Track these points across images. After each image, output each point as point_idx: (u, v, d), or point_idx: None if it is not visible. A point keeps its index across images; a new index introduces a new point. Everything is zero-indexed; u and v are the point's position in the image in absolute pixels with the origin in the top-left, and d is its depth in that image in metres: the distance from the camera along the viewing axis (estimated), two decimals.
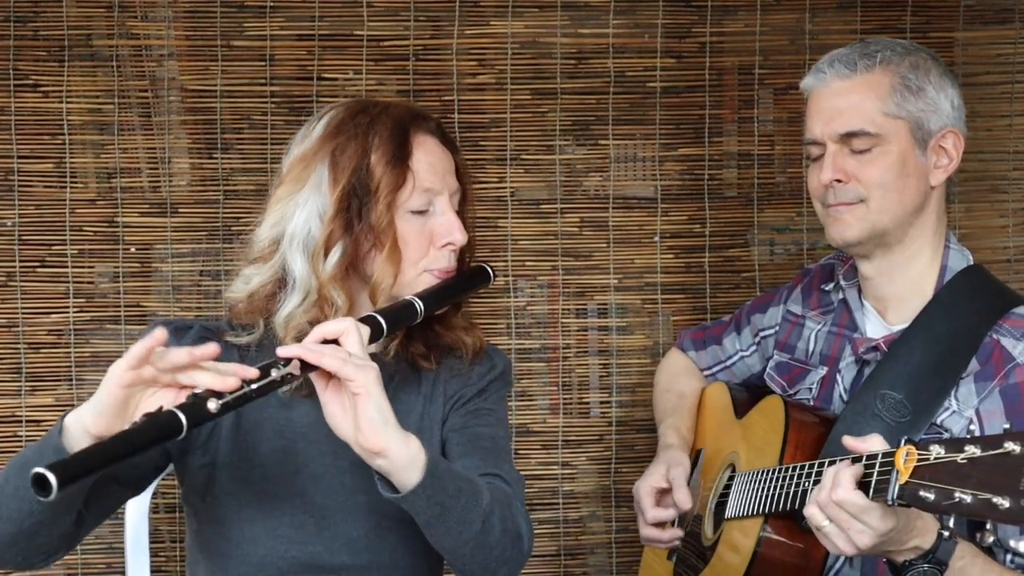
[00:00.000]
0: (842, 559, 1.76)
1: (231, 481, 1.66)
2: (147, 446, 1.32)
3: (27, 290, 2.44)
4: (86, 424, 1.37)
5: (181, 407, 1.32)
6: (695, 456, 2.11)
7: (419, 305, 1.61)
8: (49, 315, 2.44)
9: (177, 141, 2.46)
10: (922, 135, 1.79)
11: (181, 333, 1.67)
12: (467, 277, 1.73)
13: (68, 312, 2.44)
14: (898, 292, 1.86)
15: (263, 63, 2.47)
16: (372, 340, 1.52)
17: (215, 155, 2.47)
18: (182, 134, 2.46)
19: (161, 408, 1.33)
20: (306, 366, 1.42)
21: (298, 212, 1.64)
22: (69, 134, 2.43)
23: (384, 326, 1.54)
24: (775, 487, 1.74)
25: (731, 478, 1.96)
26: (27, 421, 2.44)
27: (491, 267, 1.77)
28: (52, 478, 1.21)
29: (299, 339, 1.59)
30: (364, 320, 1.53)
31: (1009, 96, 2.64)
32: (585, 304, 2.60)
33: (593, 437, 2.61)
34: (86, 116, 2.43)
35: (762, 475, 1.80)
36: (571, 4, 2.53)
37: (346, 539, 1.66)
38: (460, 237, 1.68)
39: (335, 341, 1.46)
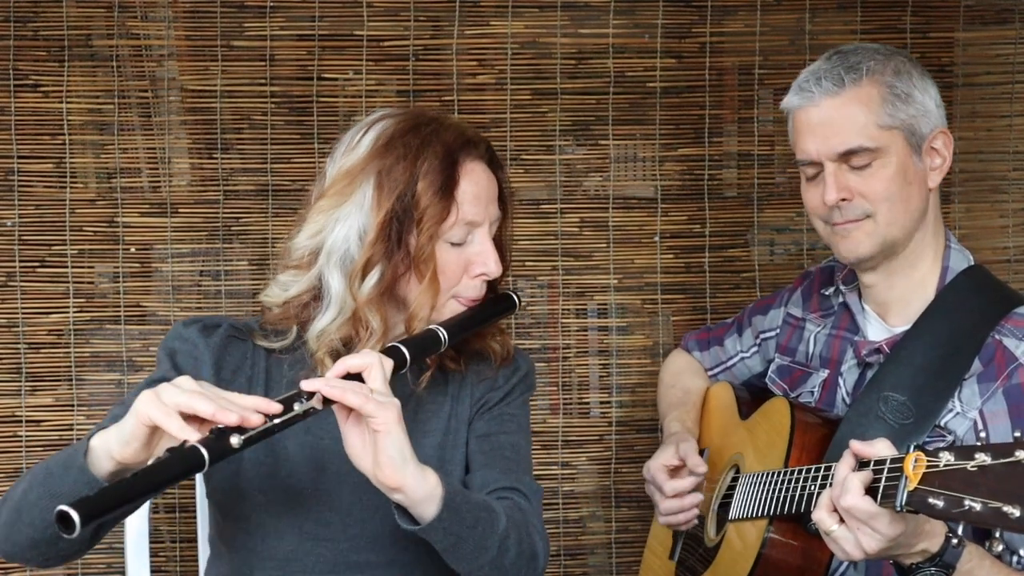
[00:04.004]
0: (846, 562, 1.76)
1: (258, 478, 1.67)
2: (170, 482, 1.34)
3: (27, 290, 2.44)
4: (111, 450, 1.38)
5: (204, 442, 1.33)
6: (699, 454, 2.10)
7: (443, 335, 1.62)
8: (49, 315, 2.44)
9: (177, 141, 2.46)
10: (916, 140, 1.78)
11: (209, 331, 1.68)
12: (492, 305, 1.73)
13: (68, 312, 2.44)
14: (899, 296, 1.85)
15: (263, 63, 2.47)
16: (395, 371, 1.52)
17: (215, 155, 2.47)
18: (182, 134, 2.46)
19: (185, 443, 1.33)
20: (328, 399, 1.43)
21: (338, 227, 1.63)
22: (69, 134, 2.43)
23: (408, 357, 1.55)
24: (780, 490, 1.74)
25: (734, 479, 1.95)
26: (27, 421, 2.44)
27: (517, 295, 1.77)
28: (76, 517, 1.23)
29: (331, 354, 1.62)
30: (387, 351, 1.53)
31: (1009, 96, 2.64)
32: (585, 304, 2.60)
33: (593, 437, 2.61)
34: (86, 116, 2.43)
35: (767, 477, 1.79)
36: (571, 4, 2.54)
37: (371, 537, 1.67)
38: (495, 269, 1.68)
39: (358, 375, 1.46)
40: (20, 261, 2.43)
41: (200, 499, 2.11)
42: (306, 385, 1.43)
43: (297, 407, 1.41)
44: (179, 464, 1.31)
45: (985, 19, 2.62)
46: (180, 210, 2.47)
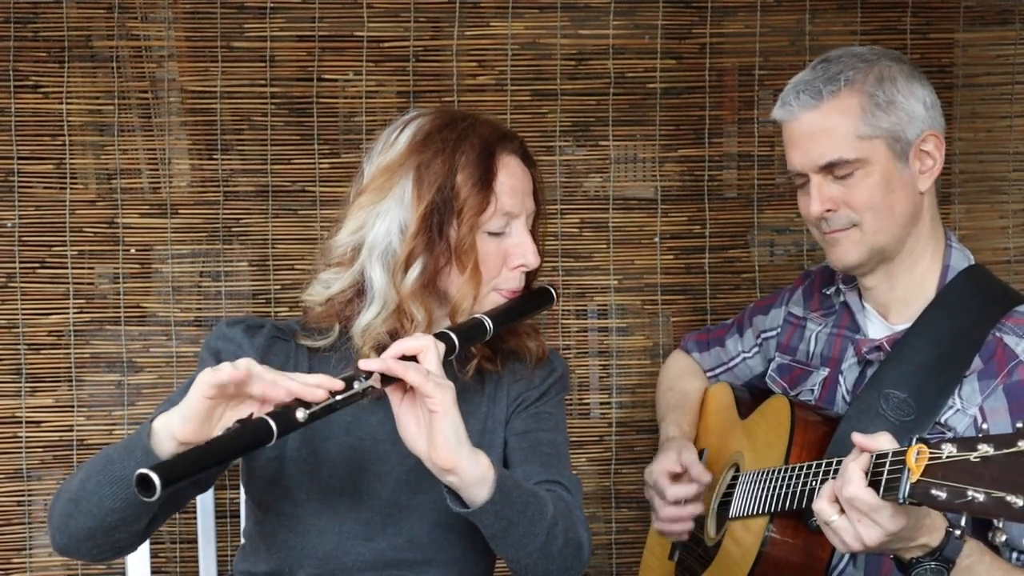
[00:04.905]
0: (846, 559, 1.76)
1: (299, 476, 1.69)
2: (241, 452, 1.38)
3: (27, 290, 2.44)
4: (174, 430, 1.41)
5: (271, 415, 1.37)
6: (699, 454, 2.10)
7: (488, 323, 1.64)
8: (49, 315, 2.44)
9: (177, 142, 2.46)
10: (901, 147, 1.77)
11: (253, 331, 1.71)
12: (532, 298, 1.76)
13: (68, 312, 2.44)
14: (900, 296, 1.86)
15: (263, 64, 2.47)
16: (445, 357, 1.55)
17: (215, 156, 2.47)
18: (182, 135, 2.46)
19: (252, 415, 1.37)
20: (386, 379, 1.46)
21: (379, 222, 1.66)
22: (69, 135, 2.43)
23: (457, 343, 1.57)
24: (781, 486, 1.74)
25: (735, 478, 1.96)
26: (27, 421, 2.44)
27: (554, 288, 1.79)
28: (156, 479, 1.27)
29: (376, 349, 1.64)
30: (438, 336, 1.56)
31: (1009, 97, 2.64)
32: (585, 305, 2.60)
33: (593, 438, 2.61)
34: (86, 117, 2.43)
35: (767, 475, 1.79)
36: (571, 5, 2.54)
37: (410, 536, 1.69)
38: (533, 260, 1.70)
39: (413, 357, 1.49)
40: (20, 262, 2.43)
41: (201, 500, 2.11)
42: (366, 364, 1.47)
43: (357, 386, 1.44)
44: (249, 434, 1.36)
45: (985, 20, 2.62)
46: (180, 211, 2.47)
